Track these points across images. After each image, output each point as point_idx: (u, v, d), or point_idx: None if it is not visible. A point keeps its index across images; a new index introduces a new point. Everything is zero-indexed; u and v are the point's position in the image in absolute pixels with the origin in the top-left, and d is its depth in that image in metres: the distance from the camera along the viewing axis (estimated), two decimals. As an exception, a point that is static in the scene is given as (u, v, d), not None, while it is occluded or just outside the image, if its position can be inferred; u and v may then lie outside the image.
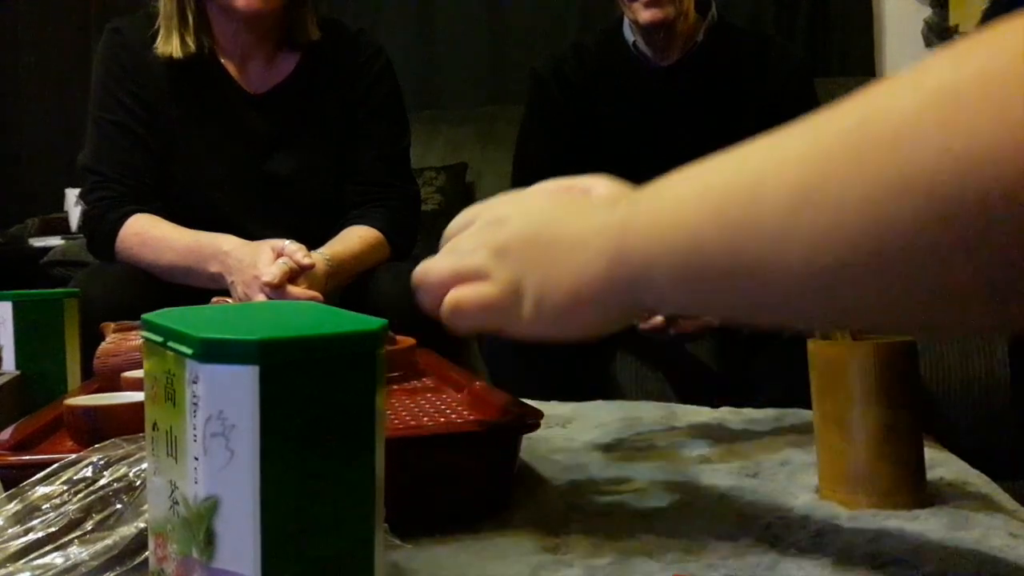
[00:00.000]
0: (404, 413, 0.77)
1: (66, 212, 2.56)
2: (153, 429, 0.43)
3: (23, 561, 0.48)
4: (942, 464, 0.74)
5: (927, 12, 2.83)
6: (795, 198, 0.38)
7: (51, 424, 0.72)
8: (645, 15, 1.46)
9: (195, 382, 0.38)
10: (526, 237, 0.54)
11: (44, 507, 0.51)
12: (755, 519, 0.64)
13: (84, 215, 1.51)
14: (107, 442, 0.55)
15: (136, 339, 0.90)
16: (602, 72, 1.57)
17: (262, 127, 1.48)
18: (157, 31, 1.44)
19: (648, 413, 0.98)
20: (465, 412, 0.77)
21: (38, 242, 2.35)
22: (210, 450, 0.37)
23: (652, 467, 0.78)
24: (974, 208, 0.32)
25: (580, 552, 0.59)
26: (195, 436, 0.38)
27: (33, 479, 0.53)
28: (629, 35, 1.58)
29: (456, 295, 0.56)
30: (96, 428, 0.65)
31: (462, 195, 2.43)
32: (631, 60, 1.57)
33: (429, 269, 0.58)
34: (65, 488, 0.52)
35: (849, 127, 0.37)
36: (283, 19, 1.48)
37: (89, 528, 0.50)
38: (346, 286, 1.40)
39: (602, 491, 0.72)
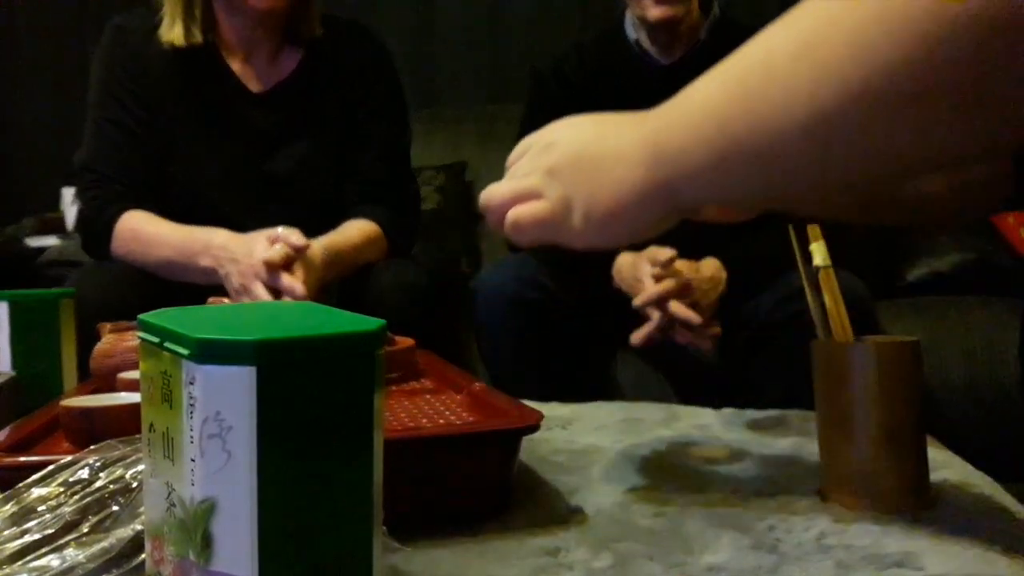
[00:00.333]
0: (403, 414, 0.77)
1: (62, 211, 2.56)
2: (150, 430, 0.42)
3: (19, 563, 0.48)
4: (945, 466, 0.74)
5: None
6: (798, 57, 0.47)
7: (47, 425, 0.72)
8: (655, 12, 1.46)
9: (192, 383, 0.37)
10: (572, 158, 0.62)
11: (40, 509, 0.51)
12: (757, 521, 0.64)
13: (79, 214, 1.50)
14: (103, 443, 0.54)
15: (132, 340, 0.90)
16: (603, 70, 1.57)
17: (263, 125, 1.47)
18: (159, 24, 1.44)
19: (649, 414, 0.98)
20: (464, 413, 0.77)
21: (34, 241, 2.35)
22: (207, 452, 0.37)
23: (653, 469, 0.77)
24: (945, 40, 0.40)
25: (580, 554, 0.58)
26: (192, 437, 0.37)
27: (29, 480, 0.52)
28: (631, 33, 1.57)
29: (515, 213, 0.64)
30: (92, 429, 0.65)
31: (461, 194, 2.43)
32: (633, 58, 1.56)
33: (492, 193, 0.67)
34: (61, 490, 0.51)
35: None
36: (289, 15, 1.47)
37: (85, 530, 0.49)
38: (346, 280, 1.40)
39: (602, 493, 0.71)
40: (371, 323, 0.41)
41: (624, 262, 1.38)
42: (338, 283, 1.40)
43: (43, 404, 0.80)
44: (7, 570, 0.47)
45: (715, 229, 1.38)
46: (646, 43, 1.56)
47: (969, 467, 0.76)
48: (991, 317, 1.66)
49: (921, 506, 0.64)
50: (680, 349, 1.42)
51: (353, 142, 1.51)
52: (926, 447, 0.66)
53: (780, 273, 1.31)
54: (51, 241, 2.35)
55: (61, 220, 2.53)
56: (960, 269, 1.91)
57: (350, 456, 0.39)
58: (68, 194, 2.58)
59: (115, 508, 0.50)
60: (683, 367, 1.52)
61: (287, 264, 1.25)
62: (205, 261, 1.31)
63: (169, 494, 0.40)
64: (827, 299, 0.71)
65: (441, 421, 0.74)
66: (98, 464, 0.52)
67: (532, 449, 0.81)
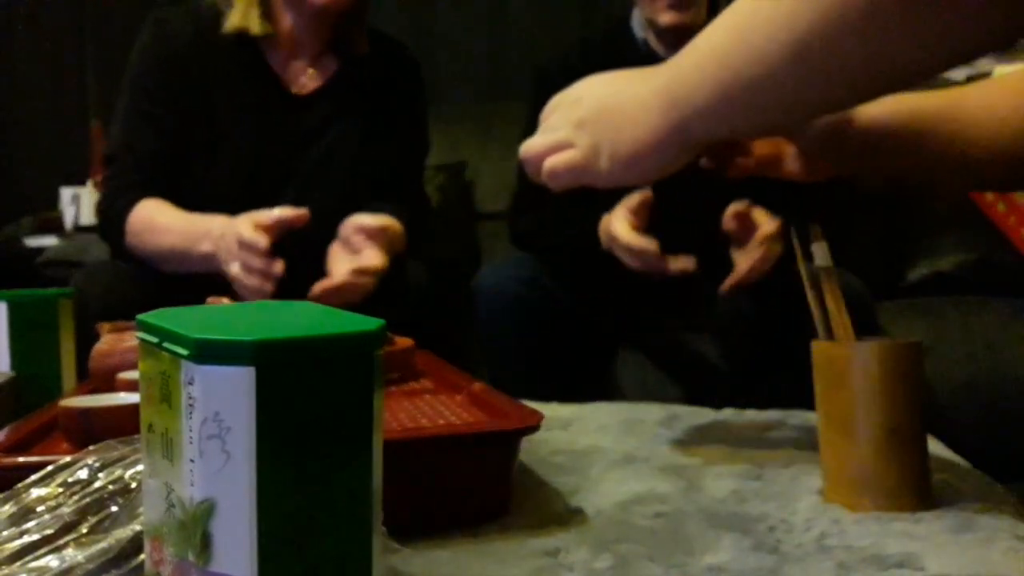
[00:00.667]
0: (402, 415, 0.77)
1: (61, 211, 2.56)
2: (148, 431, 0.42)
3: (18, 564, 0.48)
4: (946, 466, 0.74)
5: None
6: None
7: (46, 426, 0.72)
8: (666, 18, 1.46)
9: (191, 383, 0.37)
10: (597, 109, 0.72)
11: (39, 509, 0.51)
12: (758, 522, 0.64)
13: (97, 203, 1.50)
14: (103, 444, 0.54)
15: (131, 339, 0.90)
16: (609, 67, 1.56)
17: (297, 127, 1.48)
18: (206, 22, 1.44)
19: (649, 414, 0.98)
20: (464, 414, 0.76)
21: (33, 241, 2.34)
22: (206, 452, 0.37)
23: (653, 469, 0.77)
24: None
25: (580, 555, 0.58)
26: (191, 438, 0.37)
27: (28, 481, 0.52)
28: (639, 32, 1.57)
29: (550, 162, 0.74)
30: (91, 430, 0.65)
31: (461, 194, 2.42)
32: (640, 58, 1.56)
33: (529, 146, 0.77)
34: (60, 490, 0.51)
35: None
36: (338, 23, 1.49)
37: (84, 531, 0.49)
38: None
39: (603, 494, 0.71)
40: (370, 323, 0.40)
41: (603, 220, 1.36)
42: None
43: (42, 404, 0.80)
44: (6, 570, 0.47)
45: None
46: (654, 43, 1.56)
47: (969, 467, 0.76)
48: (992, 317, 1.66)
49: (922, 506, 0.64)
50: (681, 349, 1.42)
51: (372, 155, 1.51)
52: (926, 447, 0.66)
53: (778, 269, 1.31)
54: (50, 241, 2.34)
55: (60, 220, 2.53)
56: (961, 269, 1.91)
57: (349, 456, 0.39)
58: (67, 194, 2.58)
59: (114, 509, 0.50)
60: (684, 368, 1.52)
61: (372, 234, 1.26)
62: (205, 246, 1.30)
63: (168, 495, 0.39)
64: (827, 299, 0.71)
65: (441, 421, 0.74)
66: (97, 464, 0.52)
67: (532, 449, 0.81)
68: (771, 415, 0.96)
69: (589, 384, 1.35)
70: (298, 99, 1.49)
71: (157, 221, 1.38)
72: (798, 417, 0.93)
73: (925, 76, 0.70)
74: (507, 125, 2.12)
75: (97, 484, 0.51)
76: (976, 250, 1.92)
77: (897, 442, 0.64)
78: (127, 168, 1.43)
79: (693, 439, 0.87)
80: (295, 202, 1.44)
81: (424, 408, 0.79)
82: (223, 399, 0.37)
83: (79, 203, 2.53)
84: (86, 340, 0.98)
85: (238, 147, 1.45)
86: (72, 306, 1.02)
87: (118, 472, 0.52)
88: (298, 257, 1.45)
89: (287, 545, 0.37)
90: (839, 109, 0.79)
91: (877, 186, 0.97)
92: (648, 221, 1.29)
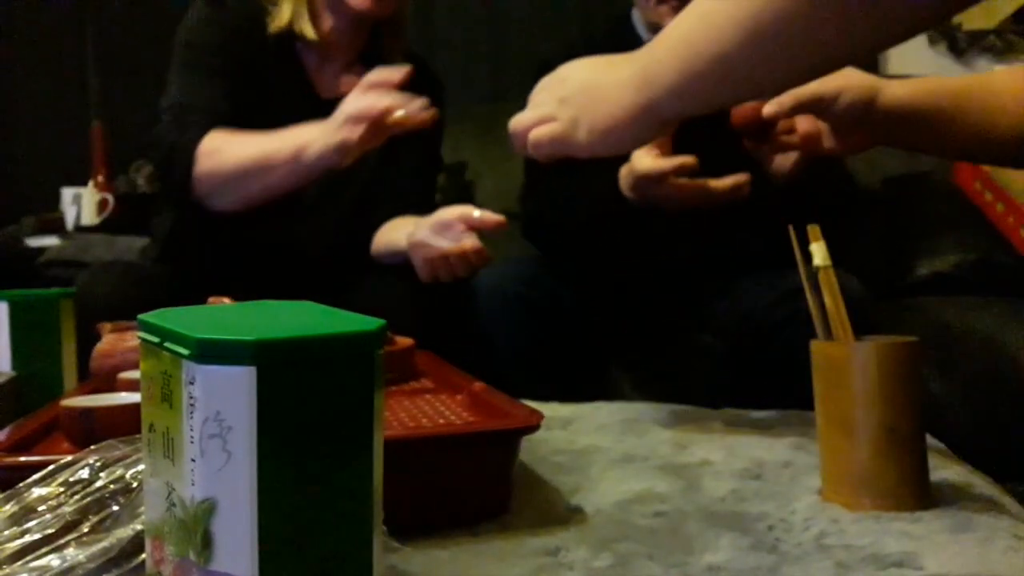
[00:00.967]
0: (403, 414, 0.77)
1: (62, 211, 2.55)
2: (150, 430, 0.42)
3: (19, 563, 0.48)
4: (945, 466, 0.74)
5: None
6: None
7: (47, 425, 0.72)
8: (669, 21, 1.46)
9: (192, 383, 0.37)
10: (579, 87, 0.80)
11: (40, 509, 0.51)
12: (757, 521, 0.64)
13: (156, 144, 1.43)
14: (103, 443, 0.54)
15: (132, 339, 0.90)
16: None
17: None
18: (252, 12, 1.44)
19: (649, 414, 0.98)
20: (464, 413, 0.76)
21: (34, 241, 2.34)
22: (207, 452, 0.37)
23: (653, 469, 0.77)
24: None
25: (580, 554, 0.58)
26: (192, 438, 0.37)
27: (29, 480, 0.52)
28: (642, 33, 1.57)
29: (535, 133, 0.82)
30: (92, 429, 0.65)
31: (461, 194, 2.42)
32: None
33: (517, 120, 0.85)
34: (61, 490, 0.51)
35: None
36: (372, 34, 1.50)
37: (86, 530, 0.49)
38: (348, 279, 1.40)
39: (602, 493, 0.71)
40: (371, 323, 0.41)
41: (623, 170, 1.34)
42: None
43: (43, 404, 0.80)
44: (7, 570, 0.47)
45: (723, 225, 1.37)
46: None
47: (969, 467, 0.76)
48: (991, 317, 1.66)
49: (921, 506, 0.64)
50: (681, 348, 1.42)
51: (386, 167, 1.51)
52: (926, 447, 0.66)
53: (779, 270, 1.31)
54: (51, 241, 2.34)
55: (61, 220, 2.53)
56: (960, 269, 1.91)
57: (350, 456, 0.39)
58: (68, 194, 2.58)
59: (115, 508, 0.50)
60: (683, 367, 1.52)
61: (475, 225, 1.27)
62: (300, 138, 1.28)
63: (169, 494, 0.40)
64: (827, 299, 0.71)
65: (441, 421, 0.74)
66: (98, 464, 0.52)
67: (532, 449, 0.81)
68: (771, 415, 0.96)
69: (589, 384, 1.35)
70: (327, 103, 1.48)
71: (234, 138, 1.34)
72: (797, 417, 0.93)
73: (869, 55, 0.80)
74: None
75: (98, 484, 0.51)
76: (976, 250, 1.92)
77: (896, 441, 0.64)
78: (189, 113, 1.40)
79: (693, 439, 0.87)
80: (312, 207, 1.44)
81: (424, 408, 0.79)
82: (224, 399, 0.37)
83: (80, 203, 2.53)
84: (91, 340, 0.98)
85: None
86: (73, 306, 1.02)
87: (119, 472, 0.52)
88: (312, 262, 1.46)
89: (288, 544, 0.38)
90: (792, 86, 0.90)
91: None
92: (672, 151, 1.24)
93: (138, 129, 2.71)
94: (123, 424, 0.61)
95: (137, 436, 0.51)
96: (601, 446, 0.85)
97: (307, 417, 0.38)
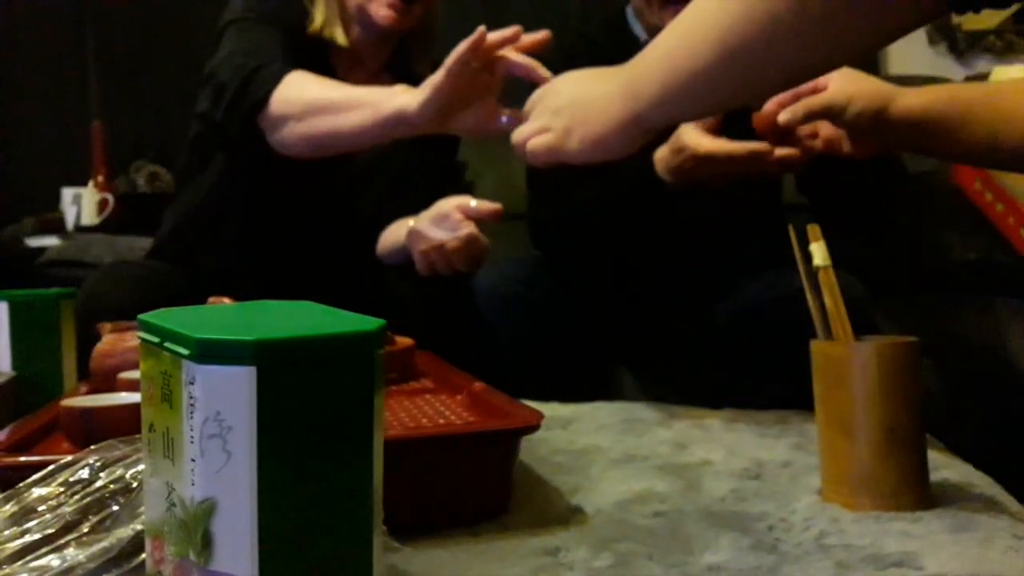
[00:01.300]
0: (403, 414, 0.77)
1: (62, 211, 2.55)
2: (150, 430, 0.42)
3: (19, 563, 0.48)
4: (945, 466, 0.74)
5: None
6: (708, 4, 0.68)
7: (47, 425, 0.72)
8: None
9: (192, 383, 0.37)
10: (571, 100, 0.87)
11: (40, 509, 0.51)
12: (757, 521, 0.64)
13: (225, 68, 1.34)
14: (103, 443, 0.54)
15: (132, 340, 0.90)
16: (613, 64, 1.56)
17: None
18: (297, 8, 1.43)
19: (649, 414, 0.98)
20: (464, 413, 0.76)
21: (34, 241, 2.34)
22: (207, 452, 0.37)
23: (653, 469, 0.77)
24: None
25: (580, 554, 0.58)
26: (192, 438, 0.37)
27: (29, 480, 0.52)
28: (640, 34, 1.57)
29: (531, 143, 0.89)
30: (92, 429, 0.65)
31: (461, 195, 2.42)
32: None
33: (518, 132, 0.92)
34: (61, 490, 0.51)
35: None
36: (396, 49, 1.49)
37: (86, 530, 0.49)
38: (347, 280, 1.40)
39: (602, 493, 0.71)
40: (371, 323, 0.41)
41: (659, 152, 1.32)
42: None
43: (43, 404, 0.80)
44: (7, 570, 0.47)
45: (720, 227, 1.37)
46: None
47: (969, 467, 0.76)
48: (991, 317, 1.66)
49: (921, 506, 0.64)
50: (681, 347, 1.42)
51: (404, 177, 1.51)
52: (926, 447, 0.66)
53: (778, 269, 1.30)
54: (51, 241, 2.34)
55: (61, 220, 2.53)
56: (960, 269, 1.91)
57: (350, 456, 0.39)
58: (68, 194, 2.57)
59: (115, 508, 0.50)
60: (683, 367, 1.52)
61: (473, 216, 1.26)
62: (385, 91, 1.23)
63: (169, 494, 0.40)
64: (827, 299, 0.71)
65: (441, 421, 0.74)
66: (98, 464, 0.52)
67: (532, 449, 0.81)
68: (770, 415, 0.96)
69: (589, 384, 1.35)
70: None
71: (319, 77, 1.31)
72: (798, 417, 0.93)
73: (831, 69, 0.90)
74: (507, 125, 2.11)
75: (98, 484, 0.51)
76: (976, 250, 1.92)
77: (896, 441, 0.64)
78: (264, 49, 1.35)
79: (693, 439, 0.87)
80: (340, 208, 1.45)
81: (424, 408, 0.79)
82: (224, 399, 0.37)
83: (80, 203, 2.53)
84: (88, 340, 0.98)
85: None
86: (73, 306, 1.02)
87: (119, 472, 0.52)
88: (337, 261, 1.46)
89: (288, 544, 0.38)
90: (771, 95, 1.01)
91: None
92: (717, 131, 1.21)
93: (138, 129, 2.72)
94: (123, 424, 0.61)
95: (137, 436, 0.51)
96: (601, 446, 0.85)
97: (307, 417, 0.38)
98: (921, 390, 0.66)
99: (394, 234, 1.45)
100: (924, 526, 0.61)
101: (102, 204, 2.51)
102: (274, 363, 0.37)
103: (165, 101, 2.65)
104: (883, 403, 0.64)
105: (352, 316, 0.43)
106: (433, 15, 1.52)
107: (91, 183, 2.56)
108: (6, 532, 0.49)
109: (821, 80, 1.01)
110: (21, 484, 0.52)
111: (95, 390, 0.83)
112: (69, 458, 0.53)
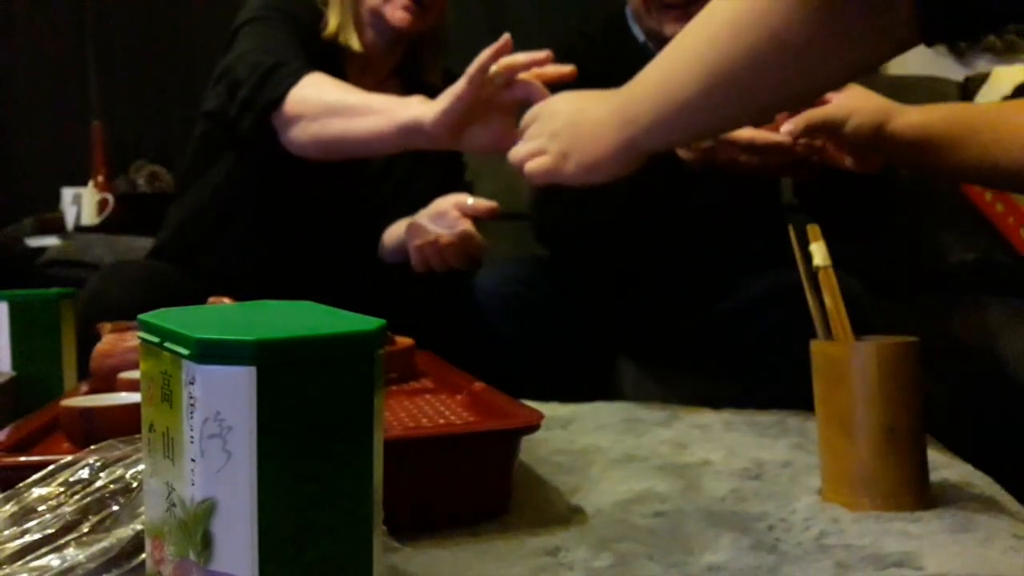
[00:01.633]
0: (403, 414, 0.77)
1: (62, 211, 2.55)
2: (150, 430, 0.42)
3: (19, 563, 0.48)
4: (945, 466, 0.74)
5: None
6: (696, 33, 0.73)
7: (47, 425, 0.72)
8: (671, 30, 1.45)
9: (192, 383, 0.37)
10: (567, 123, 0.89)
11: (40, 509, 0.51)
12: (757, 521, 0.64)
13: (241, 65, 1.34)
14: (103, 443, 0.54)
15: (132, 340, 0.90)
16: (614, 68, 1.56)
17: None
18: (316, 11, 1.43)
19: (649, 414, 0.98)
20: (464, 413, 0.76)
21: (34, 242, 2.34)
22: (207, 452, 0.37)
23: (653, 469, 0.77)
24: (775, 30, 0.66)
25: (580, 554, 0.58)
26: (192, 438, 0.37)
27: (29, 480, 0.52)
28: (639, 36, 1.57)
29: (529, 166, 0.92)
30: (92, 429, 0.65)
31: (461, 195, 2.42)
32: (644, 59, 1.56)
33: (515, 152, 0.95)
34: (61, 490, 0.51)
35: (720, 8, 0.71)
36: (407, 53, 1.49)
37: (86, 530, 0.49)
38: (346, 281, 1.40)
39: (602, 493, 0.71)
40: (371, 323, 0.41)
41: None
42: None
43: (43, 404, 0.80)
44: (7, 570, 0.47)
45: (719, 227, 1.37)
46: (654, 47, 1.55)
47: (969, 467, 0.76)
48: (991, 317, 1.66)
49: (921, 506, 0.64)
50: (680, 345, 1.42)
51: (409, 181, 1.51)
52: (926, 447, 0.66)
53: (778, 269, 1.30)
54: (51, 241, 2.34)
55: (61, 220, 2.53)
56: (960, 269, 1.91)
57: (350, 456, 0.39)
58: (68, 194, 2.58)
59: (115, 508, 0.50)
60: (683, 367, 1.52)
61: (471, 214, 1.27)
62: (401, 100, 1.22)
63: (169, 494, 0.40)
64: (827, 299, 0.71)
65: (441, 421, 0.74)
66: (98, 464, 0.52)
67: (532, 449, 0.81)
68: (771, 415, 0.96)
69: (589, 384, 1.35)
70: None
71: (337, 80, 1.30)
72: (798, 417, 0.93)
73: (814, 98, 0.96)
74: (507, 125, 2.11)
75: (98, 484, 0.51)
76: (976, 250, 1.92)
77: (896, 441, 0.64)
78: (282, 49, 1.34)
79: (693, 439, 0.87)
80: (345, 209, 1.45)
81: (424, 408, 0.79)
82: (224, 399, 0.37)
83: (80, 203, 2.53)
84: (88, 340, 0.98)
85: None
86: (73, 306, 1.02)
87: (119, 472, 0.52)
88: (339, 261, 1.46)
89: (287, 544, 0.38)
90: (760, 123, 1.03)
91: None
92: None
93: (138, 129, 2.72)
94: (123, 424, 0.61)
95: (137, 436, 0.51)
96: (601, 446, 0.85)
97: (307, 417, 0.38)
98: (921, 390, 0.66)
99: (395, 232, 1.45)
100: (924, 526, 0.61)
101: (102, 204, 2.51)
102: (274, 363, 0.37)
103: (165, 101, 2.65)
104: (883, 403, 0.64)
105: (352, 316, 0.43)
106: (445, 22, 1.52)
107: (91, 183, 2.56)
108: (6, 532, 0.49)
109: (828, 95, 1.03)
110: (21, 484, 0.52)
111: (95, 390, 0.83)
112: (69, 458, 0.53)
